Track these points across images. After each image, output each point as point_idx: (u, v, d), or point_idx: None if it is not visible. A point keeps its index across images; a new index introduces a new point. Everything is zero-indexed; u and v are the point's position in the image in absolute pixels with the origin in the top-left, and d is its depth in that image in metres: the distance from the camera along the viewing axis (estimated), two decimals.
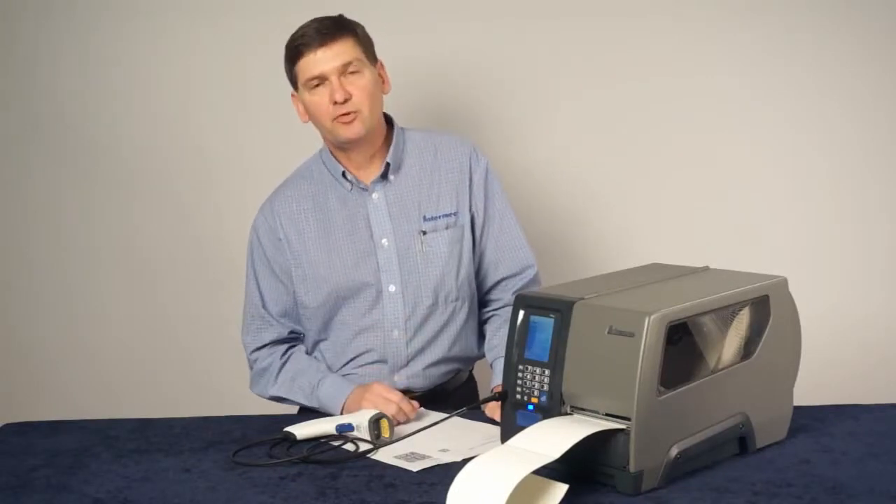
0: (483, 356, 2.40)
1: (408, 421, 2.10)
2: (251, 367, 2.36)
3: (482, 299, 2.40)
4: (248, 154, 3.05)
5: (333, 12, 2.28)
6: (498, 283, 2.36)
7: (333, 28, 2.22)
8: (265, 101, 3.01)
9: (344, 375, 2.29)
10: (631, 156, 2.98)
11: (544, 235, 2.91)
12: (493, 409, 2.06)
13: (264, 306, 2.34)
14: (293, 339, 2.36)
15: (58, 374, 3.18)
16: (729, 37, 2.92)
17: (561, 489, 1.63)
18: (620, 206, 3.01)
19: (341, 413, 2.19)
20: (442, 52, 2.93)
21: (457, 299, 2.31)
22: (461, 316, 2.33)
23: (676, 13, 2.93)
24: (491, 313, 2.38)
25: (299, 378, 2.28)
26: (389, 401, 2.11)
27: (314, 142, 2.44)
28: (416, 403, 2.16)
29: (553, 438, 1.65)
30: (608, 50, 2.95)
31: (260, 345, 2.34)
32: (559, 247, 2.96)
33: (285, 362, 2.32)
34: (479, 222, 2.34)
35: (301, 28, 2.25)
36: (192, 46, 3.03)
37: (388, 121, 2.34)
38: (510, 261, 2.35)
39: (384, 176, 2.30)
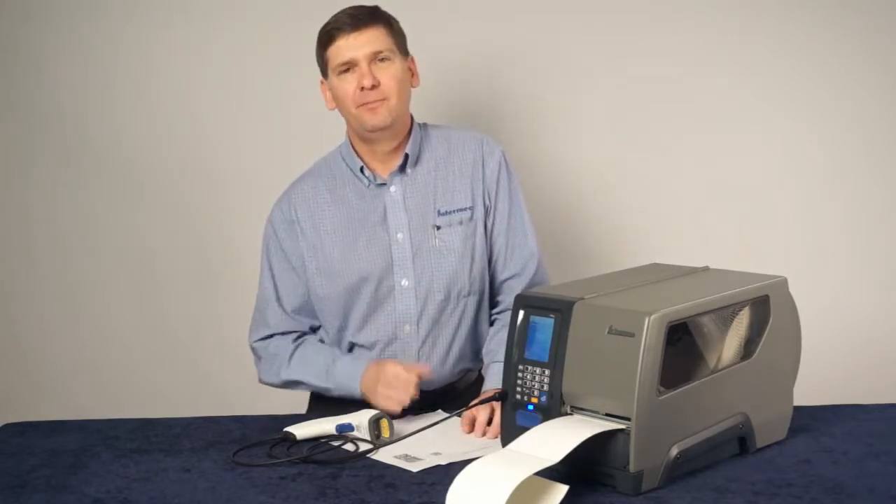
0: None
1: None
2: (259, 357, 2.34)
3: (490, 299, 2.39)
4: (249, 154, 3.05)
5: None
6: (503, 282, 2.36)
7: (367, 16, 2.24)
8: (268, 102, 3.01)
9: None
10: (631, 156, 2.98)
11: (544, 235, 2.89)
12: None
13: (279, 300, 2.33)
14: (303, 333, 2.36)
15: (58, 374, 3.17)
16: (729, 38, 2.92)
17: (561, 490, 1.63)
18: (620, 206, 3.01)
19: (360, 392, 2.19)
20: (446, 53, 2.93)
21: (468, 294, 2.31)
22: (472, 311, 2.32)
23: (676, 14, 2.92)
24: (493, 317, 2.38)
25: (313, 360, 2.28)
26: (407, 386, 2.11)
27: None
28: (427, 367, 2.18)
29: (553, 442, 1.65)
30: (606, 51, 2.95)
31: (267, 334, 2.33)
32: (559, 247, 2.96)
33: (298, 346, 2.31)
34: (490, 214, 2.33)
35: (335, 15, 2.26)
36: (193, 47, 3.02)
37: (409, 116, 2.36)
38: (516, 259, 2.34)
39: (402, 169, 2.31)
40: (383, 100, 2.23)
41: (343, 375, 2.23)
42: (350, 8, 2.26)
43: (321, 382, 2.26)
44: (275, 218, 2.35)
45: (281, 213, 2.34)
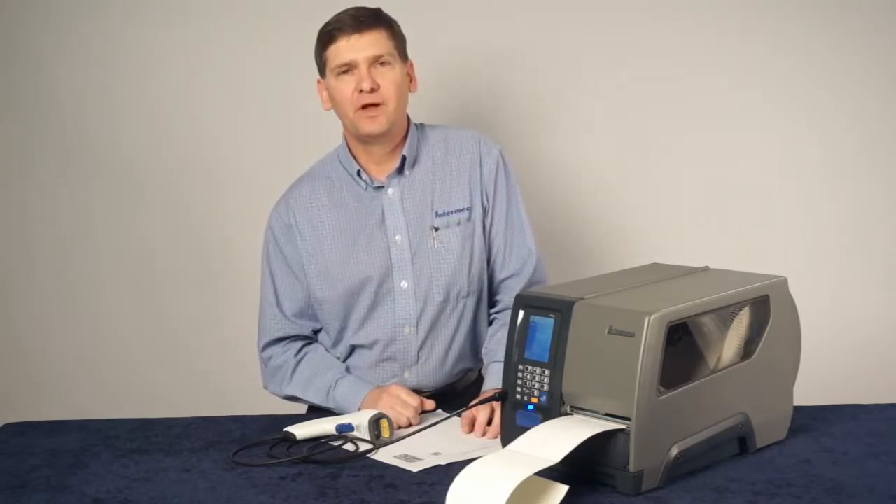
0: None
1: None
2: (265, 365, 2.34)
3: (489, 298, 2.39)
4: (249, 154, 3.05)
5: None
6: (502, 282, 2.36)
7: (370, 18, 2.23)
8: (268, 102, 3.01)
9: (355, 372, 2.29)
10: (631, 156, 2.98)
11: (544, 235, 2.90)
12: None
13: (279, 305, 2.32)
14: (307, 338, 2.35)
15: (58, 374, 3.17)
16: (729, 38, 2.92)
17: (561, 490, 1.63)
18: (620, 206, 3.01)
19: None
20: (446, 54, 2.93)
21: (467, 295, 2.31)
22: (471, 311, 2.32)
23: (676, 14, 2.92)
24: (492, 317, 2.38)
25: (315, 379, 2.27)
26: (408, 405, 2.11)
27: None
28: (431, 403, 2.16)
29: (553, 442, 1.65)
30: (606, 51, 2.95)
31: (272, 339, 2.32)
32: (559, 247, 2.96)
33: (300, 360, 2.31)
34: (488, 214, 2.33)
35: (337, 15, 2.25)
36: (193, 47, 3.02)
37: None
38: (515, 258, 2.34)
39: (400, 171, 2.30)
40: (381, 105, 2.21)
41: (343, 398, 2.22)
42: (352, 9, 2.25)
43: (322, 402, 2.26)
44: (273, 223, 2.34)
45: (279, 218, 2.33)
